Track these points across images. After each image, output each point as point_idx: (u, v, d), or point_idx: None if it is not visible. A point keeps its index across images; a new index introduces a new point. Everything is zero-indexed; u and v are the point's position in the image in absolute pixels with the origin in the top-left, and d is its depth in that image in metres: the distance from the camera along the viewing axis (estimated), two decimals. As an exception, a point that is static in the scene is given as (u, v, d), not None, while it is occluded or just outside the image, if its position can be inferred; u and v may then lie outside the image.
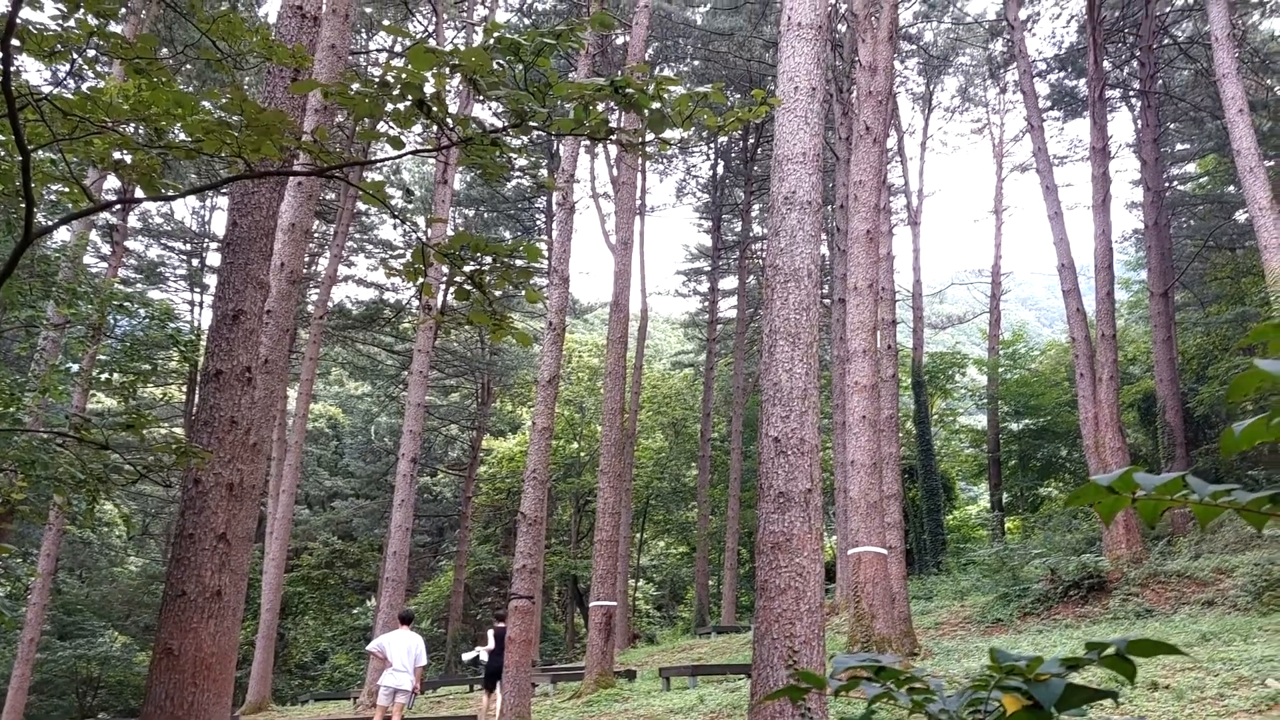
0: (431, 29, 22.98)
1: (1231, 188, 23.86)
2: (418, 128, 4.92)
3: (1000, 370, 32.10)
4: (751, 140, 31.35)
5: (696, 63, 29.20)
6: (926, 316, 32.92)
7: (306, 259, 16.43)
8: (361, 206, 25.75)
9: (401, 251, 30.61)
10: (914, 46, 30.67)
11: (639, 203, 28.11)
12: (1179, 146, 28.35)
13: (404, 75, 3.43)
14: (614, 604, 15.45)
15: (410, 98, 3.54)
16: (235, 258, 6.07)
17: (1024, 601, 15.47)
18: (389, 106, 3.57)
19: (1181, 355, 23.85)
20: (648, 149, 5.37)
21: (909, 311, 30.79)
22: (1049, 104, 28.29)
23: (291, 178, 7.89)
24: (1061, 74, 28.20)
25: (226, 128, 3.57)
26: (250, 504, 6.53)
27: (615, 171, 23.73)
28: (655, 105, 5.05)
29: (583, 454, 35.72)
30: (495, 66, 4.28)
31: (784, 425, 7.29)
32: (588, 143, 15.85)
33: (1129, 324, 32.22)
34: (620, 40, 24.04)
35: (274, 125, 3.57)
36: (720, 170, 33.68)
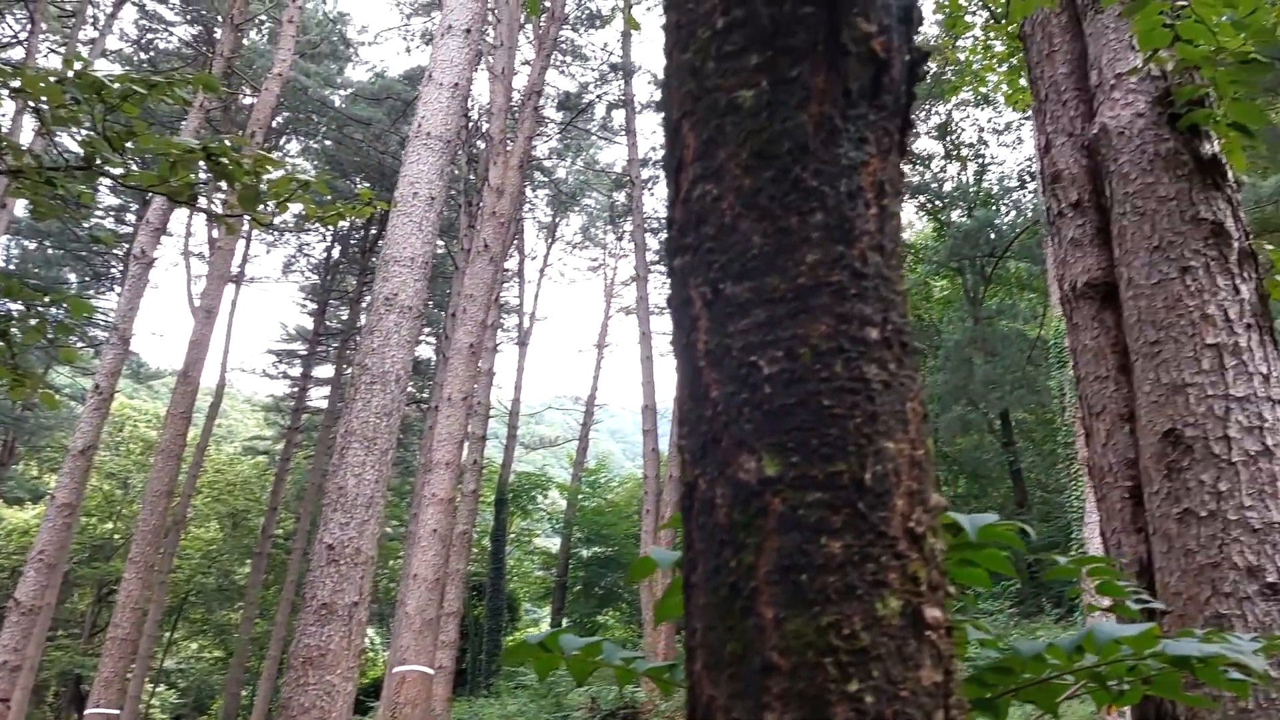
0: (24, 36, 20.20)
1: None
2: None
3: (580, 497, 33.55)
4: (374, 231, 30.86)
5: (329, 143, 28.44)
6: (520, 436, 33.74)
7: None
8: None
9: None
10: (547, 179, 32.39)
11: (236, 270, 26.29)
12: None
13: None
14: (116, 713, 13.41)
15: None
16: None
17: (564, 730, 15.79)
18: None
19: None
20: (237, 223, 4.97)
21: (504, 428, 31.38)
22: (656, 258, 31.03)
23: None
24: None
25: None
26: None
27: (215, 233, 22.02)
28: (250, 181, 4.68)
29: (117, 536, 31.52)
30: (70, 100, 3.78)
31: (342, 532, 6.90)
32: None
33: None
34: (250, 101, 22.79)
35: None
36: (336, 254, 32.65)
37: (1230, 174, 3.18)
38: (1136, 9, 2.91)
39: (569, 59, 29.23)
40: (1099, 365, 3.07)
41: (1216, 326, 2.77)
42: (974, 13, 9.41)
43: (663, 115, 0.97)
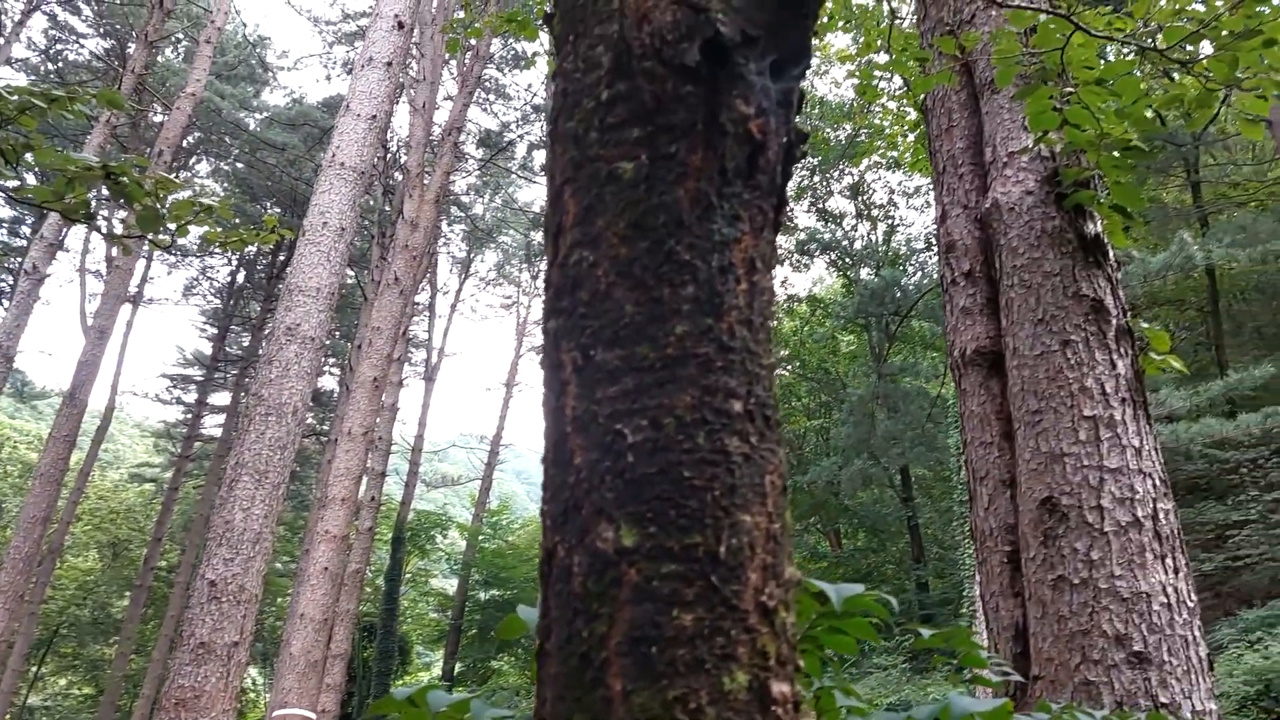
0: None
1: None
2: None
3: (481, 538, 32.98)
4: (283, 257, 30.18)
5: (240, 166, 27.83)
6: (422, 473, 33.13)
7: None
8: None
9: None
10: (464, 215, 32.22)
11: (134, 290, 25.39)
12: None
13: None
14: (-28, 755, 12.55)
15: None
16: None
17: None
18: None
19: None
20: (134, 244, 4.82)
21: (406, 464, 30.77)
22: (567, 301, 31.03)
23: None
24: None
25: None
26: None
27: (114, 251, 21.27)
28: (150, 202, 4.57)
29: (-12, 562, 29.70)
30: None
31: (225, 569, 6.65)
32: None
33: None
34: (160, 119, 22.19)
35: None
36: (241, 279, 31.80)
37: (1111, 253, 3.35)
38: (1028, 92, 3.06)
39: (492, 97, 29.32)
40: (984, 431, 3.18)
41: (1094, 399, 2.90)
42: (889, 78, 9.78)
43: (546, 179, 0.98)
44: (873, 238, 27.97)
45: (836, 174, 25.93)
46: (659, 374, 0.82)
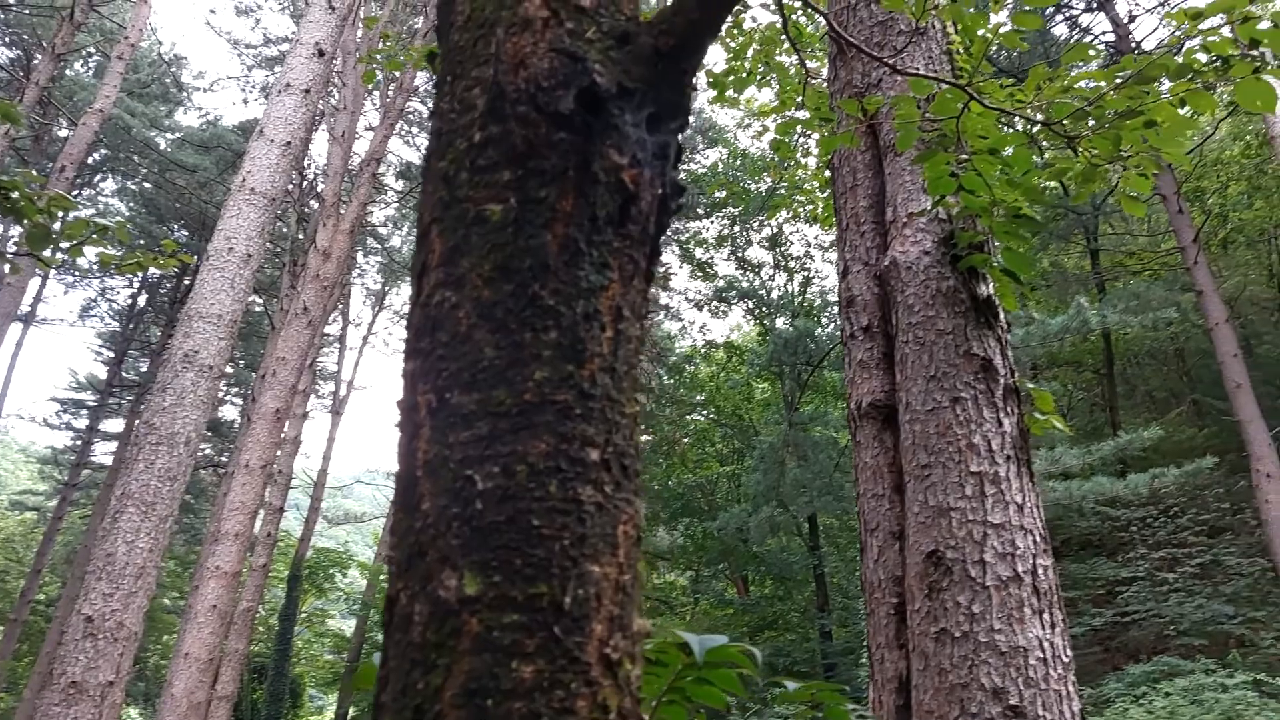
0: None
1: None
2: None
3: (382, 577, 32.12)
4: (188, 282, 29.28)
5: (148, 185, 27.02)
6: (324, 509, 32.24)
7: None
8: None
9: None
10: (381, 246, 31.80)
11: (26, 309, 24.33)
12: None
13: None
14: None
15: None
16: None
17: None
18: None
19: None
20: (22, 262, 4.67)
21: (307, 499, 29.91)
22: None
23: None
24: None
25: None
26: None
27: (4, 267, 20.40)
28: (42, 220, 4.42)
29: None
30: None
31: (104, 604, 6.34)
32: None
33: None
34: (65, 134, 21.46)
35: None
36: (142, 302, 30.72)
37: (1002, 315, 3.47)
38: (927, 157, 3.17)
39: (415, 130, 29.15)
40: (876, 483, 3.24)
41: (980, 455, 2.98)
42: (807, 135, 10.03)
43: (417, 219, 0.97)
44: (789, 288, 28.50)
45: (756, 225, 26.42)
46: (515, 420, 0.81)
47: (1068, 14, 20.21)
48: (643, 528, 0.86)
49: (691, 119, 27.89)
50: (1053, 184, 3.46)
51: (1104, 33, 19.51)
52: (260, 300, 24.95)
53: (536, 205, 0.88)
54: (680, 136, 1.03)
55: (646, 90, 0.96)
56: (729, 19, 6.42)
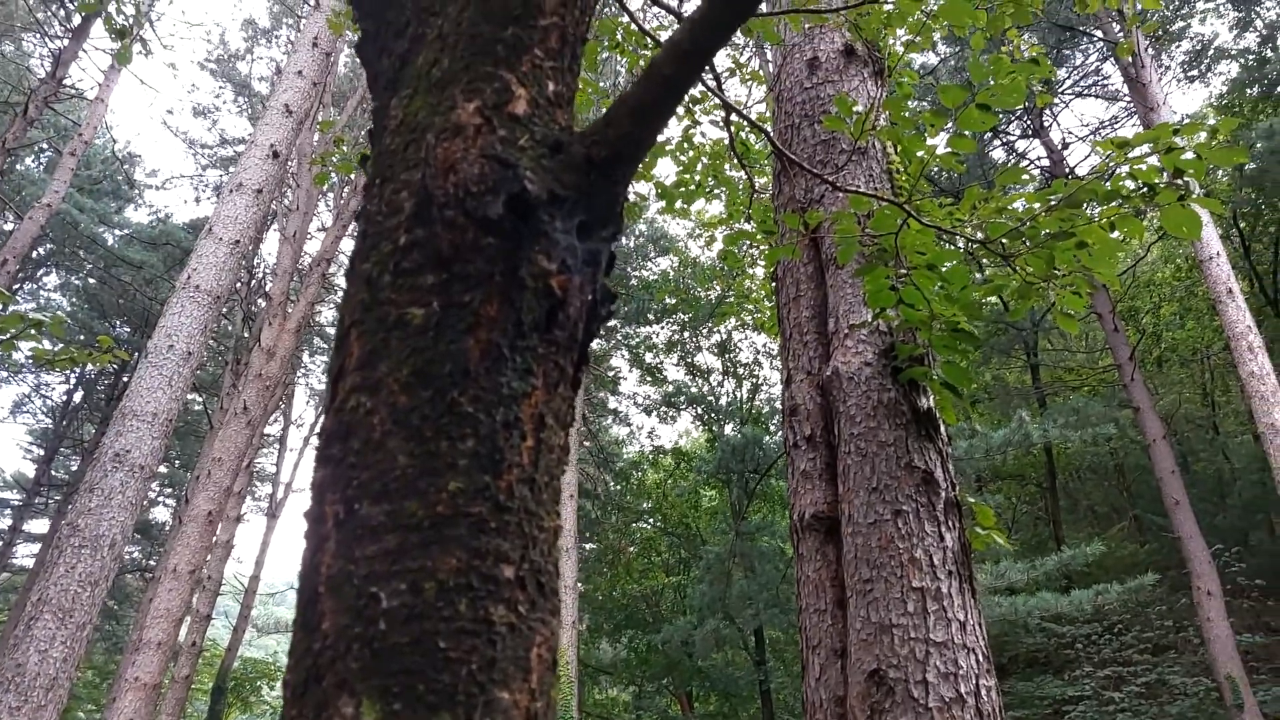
0: None
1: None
2: None
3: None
4: (127, 379, 28.65)
5: (93, 280, 26.66)
6: (254, 617, 31.00)
7: None
8: None
9: None
10: (328, 346, 31.53)
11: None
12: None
13: None
14: None
15: None
16: None
17: None
18: None
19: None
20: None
21: (237, 605, 28.74)
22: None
23: None
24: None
25: None
26: None
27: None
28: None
29: None
30: None
31: (10, 718, 5.95)
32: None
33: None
34: (10, 227, 21.20)
35: None
36: (78, 398, 29.92)
37: (943, 427, 3.49)
38: (867, 271, 3.23)
39: (369, 234, 29.27)
40: (819, 598, 3.19)
41: (922, 570, 2.95)
42: (755, 247, 10.24)
43: (337, 321, 0.94)
44: (738, 395, 28.70)
45: (705, 331, 26.73)
46: (426, 533, 0.76)
47: (1005, 139, 21.20)
48: (558, 650, 0.81)
49: (644, 228, 28.41)
50: (991, 300, 3.52)
51: (1039, 158, 20.47)
52: (200, 399, 24.47)
53: (459, 310, 0.86)
54: (613, 245, 1.02)
55: (578, 198, 0.96)
56: (679, 135, 6.61)
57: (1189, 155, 2.96)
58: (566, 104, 1.03)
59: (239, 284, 21.39)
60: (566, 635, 16.57)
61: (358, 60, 19.13)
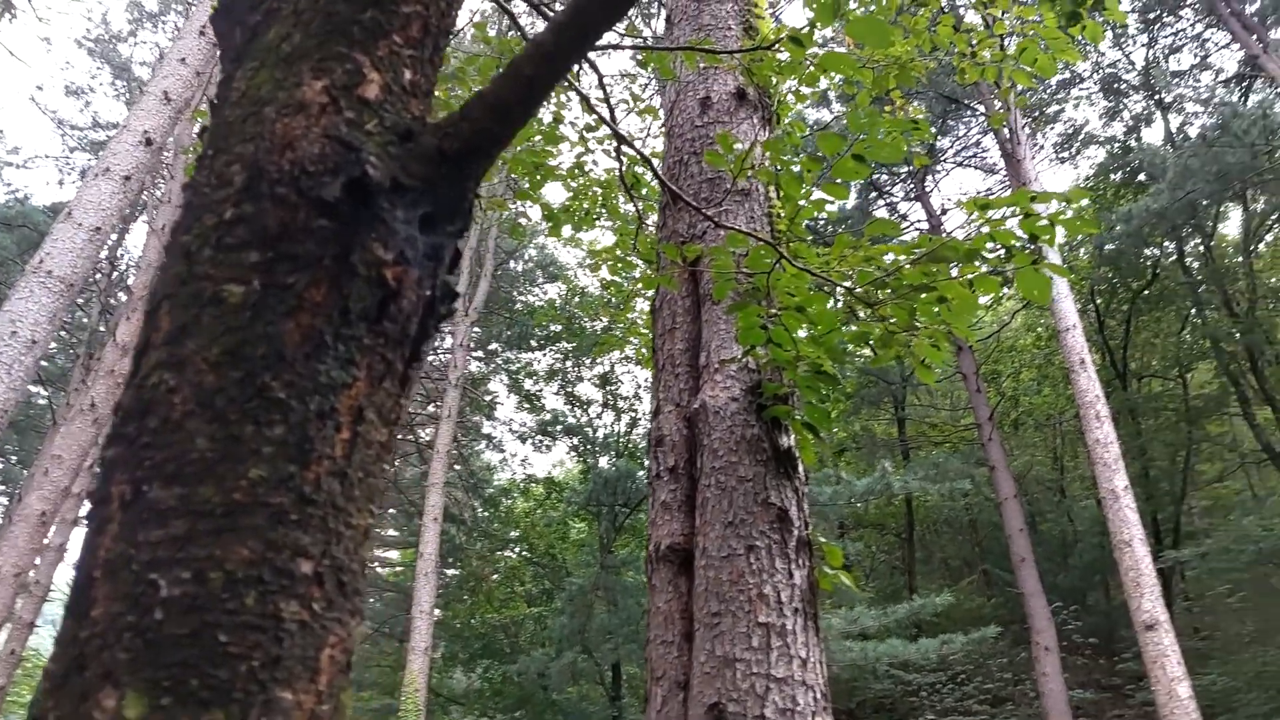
0: None
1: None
2: None
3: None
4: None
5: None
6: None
7: None
8: None
9: None
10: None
11: None
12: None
13: None
14: None
15: None
16: None
17: None
18: None
19: None
20: None
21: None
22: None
23: None
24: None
25: None
26: None
27: None
28: None
29: None
30: None
31: None
32: None
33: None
34: None
35: None
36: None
37: (801, 467, 3.55)
38: (740, 308, 3.28)
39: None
40: (667, 630, 3.18)
41: (770, 606, 2.98)
42: (642, 283, 10.30)
43: (148, 295, 0.88)
44: (616, 427, 28.72)
45: (588, 362, 26.70)
46: (219, 520, 0.72)
47: (889, 200, 22.11)
48: (353, 653, 0.77)
49: (534, 252, 28.25)
50: (855, 346, 3.63)
51: (919, 220, 21.39)
52: (46, 393, 23.01)
53: (282, 291, 0.82)
54: (459, 241, 1.00)
55: (425, 190, 0.93)
56: (571, 161, 6.61)
57: (1044, 222, 3.12)
58: (423, 95, 1.01)
59: (98, 274, 20.30)
60: (419, 661, 16.16)
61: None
